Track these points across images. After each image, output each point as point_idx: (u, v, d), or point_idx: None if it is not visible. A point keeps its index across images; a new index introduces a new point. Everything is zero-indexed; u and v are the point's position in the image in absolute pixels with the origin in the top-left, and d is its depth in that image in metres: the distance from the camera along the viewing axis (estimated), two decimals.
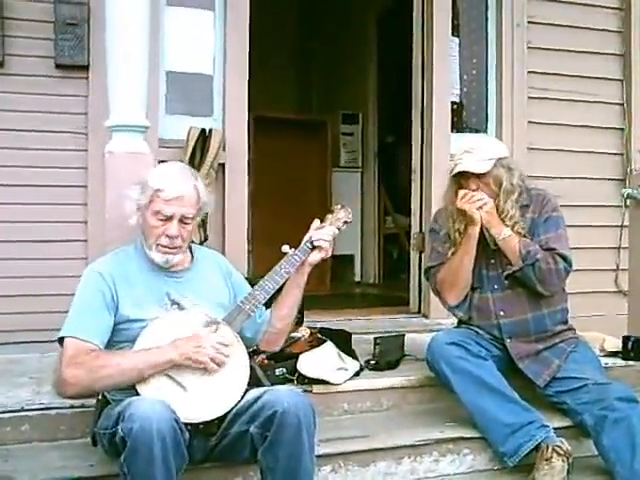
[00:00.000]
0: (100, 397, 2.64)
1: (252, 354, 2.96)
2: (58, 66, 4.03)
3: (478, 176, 3.23)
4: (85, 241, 4.06)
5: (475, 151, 3.24)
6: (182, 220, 2.61)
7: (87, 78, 4.07)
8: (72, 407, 2.96)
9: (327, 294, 6.44)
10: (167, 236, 2.60)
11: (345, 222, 2.92)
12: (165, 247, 2.62)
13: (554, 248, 3.20)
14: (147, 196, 2.62)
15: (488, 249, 3.30)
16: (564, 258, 3.20)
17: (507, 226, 3.22)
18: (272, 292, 2.70)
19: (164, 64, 4.27)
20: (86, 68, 4.05)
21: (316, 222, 2.85)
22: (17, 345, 3.82)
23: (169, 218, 2.59)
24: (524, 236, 3.24)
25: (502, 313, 3.29)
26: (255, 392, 2.53)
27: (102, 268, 2.65)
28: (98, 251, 3.12)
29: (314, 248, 2.78)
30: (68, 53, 4.00)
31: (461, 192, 3.24)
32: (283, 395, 2.44)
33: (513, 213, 3.24)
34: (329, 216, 2.90)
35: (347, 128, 7.51)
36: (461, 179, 3.28)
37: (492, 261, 3.31)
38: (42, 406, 2.98)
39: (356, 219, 7.21)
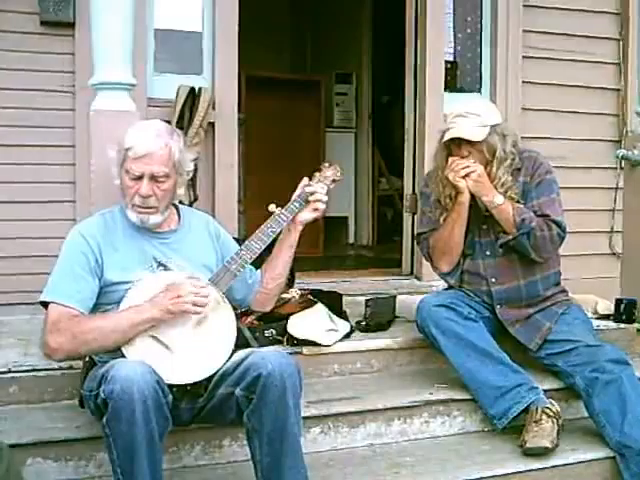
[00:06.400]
0: (87, 358, 2.63)
1: (241, 315, 2.94)
2: (43, 23, 3.96)
3: (471, 143, 3.16)
4: (73, 202, 4.03)
5: (471, 116, 3.16)
6: (154, 179, 2.55)
7: (73, 35, 4.00)
8: (60, 369, 2.94)
9: (320, 256, 6.44)
10: (139, 195, 2.56)
11: (334, 180, 2.86)
12: (139, 207, 2.57)
13: (548, 214, 3.15)
14: (121, 155, 2.58)
15: (480, 215, 3.25)
16: (558, 224, 3.15)
17: (499, 193, 3.16)
18: (259, 252, 2.66)
19: (152, 22, 4.20)
20: (72, 25, 3.98)
21: (304, 180, 2.81)
22: (5, 307, 3.80)
23: (139, 177, 2.54)
24: (517, 201, 3.18)
25: (494, 280, 3.26)
26: (241, 354, 2.51)
27: (86, 230, 2.61)
28: (87, 212, 3.07)
29: (305, 205, 2.75)
30: (53, 9, 3.92)
31: (450, 160, 3.19)
32: (268, 357, 2.41)
33: (505, 179, 3.18)
34: (317, 174, 2.85)
35: (341, 88, 7.43)
36: (452, 144, 3.21)
37: (484, 227, 3.27)
38: (30, 367, 2.97)
39: (350, 180, 7.19)
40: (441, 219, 3.28)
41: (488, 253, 3.27)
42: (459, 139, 3.16)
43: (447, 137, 3.18)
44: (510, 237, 3.16)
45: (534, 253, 3.17)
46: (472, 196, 3.18)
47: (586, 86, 5.00)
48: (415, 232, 3.60)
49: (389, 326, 3.64)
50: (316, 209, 2.76)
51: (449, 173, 3.16)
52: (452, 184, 3.18)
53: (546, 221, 3.14)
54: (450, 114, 3.26)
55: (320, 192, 2.76)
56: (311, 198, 2.75)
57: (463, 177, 3.13)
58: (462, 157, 3.17)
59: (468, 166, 3.14)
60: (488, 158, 3.18)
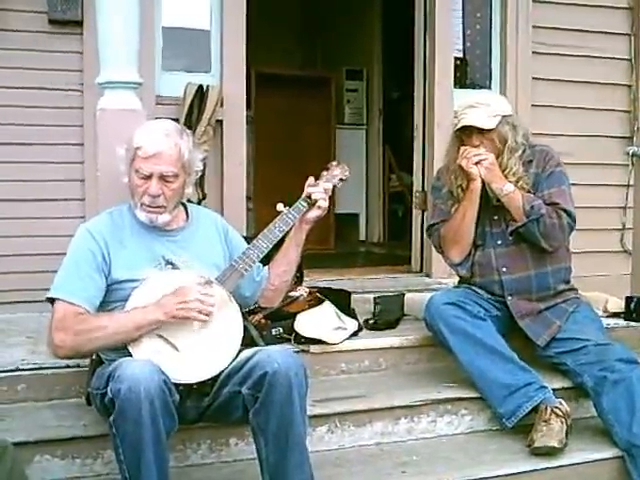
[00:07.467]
0: (94, 357, 2.63)
1: (248, 314, 2.94)
2: (51, 21, 3.96)
3: (482, 132, 3.18)
4: (82, 200, 4.03)
5: (481, 106, 3.18)
6: (163, 179, 2.56)
7: (81, 34, 4.00)
8: (67, 367, 2.95)
9: (331, 253, 6.45)
10: (148, 195, 2.56)
11: (341, 179, 2.87)
12: (148, 206, 2.58)
13: (557, 203, 3.17)
14: (130, 154, 2.58)
15: (491, 205, 3.26)
16: (568, 213, 3.17)
17: (510, 182, 3.17)
18: (266, 251, 2.67)
19: (160, 20, 4.19)
20: (80, 24, 3.98)
21: (310, 179, 2.81)
22: (14, 305, 3.82)
23: (149, 177, 2.55)
24: (528, 191, 3.20)
25: (504, 269, 3.25)
26: (248, 352, 2.50)
27: (94, 228, 2.62)
28: (95, 210, 3.08)
29: (312, 204, 2.74)
30: (61, 8, 3.92)
31: (461, 149, 3.19)
32: (274, 355, 2.41)
33: (517, 169, 3.21)
34: (324, 173, 2.85)
35: (351, 84, 7.40)
36: (463, 135, 3.24)
37: (495, 217, 3.27)
38: (37, 366, 2.98)
39: (361, 177, 7.18)
40: (452, 210, 3.29)
41: (499, 242, 3.27)
42: (470, 128, 3.18)
43: (458, 126, 3.21)
44: (520, 224, 3.17)
45: (543, 241, 3.17)
46: (483, 186, 3.19)
47: (597, 82, 4.96)
48: (426, 226, 3.60)
49: (397, 324, 3.64)
50: (319, 207, 2.75)
51: (462, 160, 3.18)
52: (464, 173, 3.20)
53: (555, 209, 3.16)
54: (460, 106, 3.28)
55: (319, 192, 2.75)
56: (313, 197, 2.75)
57: (475, 164, 3.15)
58: (474, 146, 3.19)
59: (480, 154, 3.15)
60: (499, 147, 3.20)
